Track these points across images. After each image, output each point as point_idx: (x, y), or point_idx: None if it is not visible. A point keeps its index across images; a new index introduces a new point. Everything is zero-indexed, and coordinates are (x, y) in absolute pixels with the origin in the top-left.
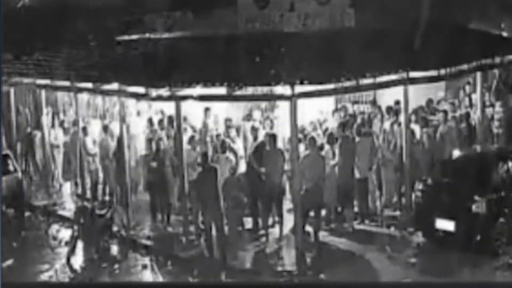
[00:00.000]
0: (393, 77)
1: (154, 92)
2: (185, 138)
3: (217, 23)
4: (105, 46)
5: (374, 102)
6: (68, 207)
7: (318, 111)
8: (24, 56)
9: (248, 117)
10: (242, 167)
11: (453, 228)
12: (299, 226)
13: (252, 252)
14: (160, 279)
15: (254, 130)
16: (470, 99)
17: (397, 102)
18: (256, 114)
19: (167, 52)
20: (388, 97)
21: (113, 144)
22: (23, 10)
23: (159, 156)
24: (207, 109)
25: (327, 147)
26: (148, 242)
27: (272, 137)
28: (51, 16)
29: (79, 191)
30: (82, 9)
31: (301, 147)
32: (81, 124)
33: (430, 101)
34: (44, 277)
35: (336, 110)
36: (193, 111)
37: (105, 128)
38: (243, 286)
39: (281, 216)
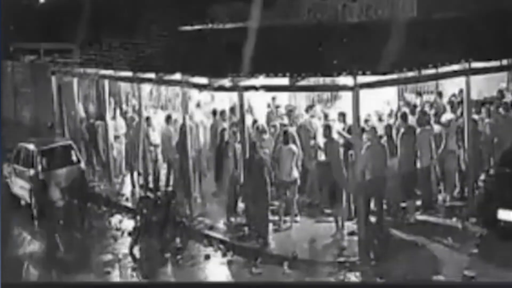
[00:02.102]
0: (455, 67)
1: (216, 83)
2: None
3: (280, 13)
4: (169, 37)
5: (436, 93)
6: (131, 198)
7: (380, 101)
8: (87, 46)
9: (310, 108)
10: None
11: None
12: (361, 216)
13: (314, 243)
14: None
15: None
16: None
17: (460, 91)
18: (318, 107)
19: (229, 42)
20: (450, 87)
21: (175, 135)
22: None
23: (222, 146)
24: (273, 98)
25: (385, 138)
26: (211, 233)
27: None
28: (114, 7)
29: (142, 181)
30: None
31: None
32: (144, 115)
33: (500, 91)
34: (107, 267)
35: (398, 100)
36: (255, 102)
37: (168, 119)
38: (243, 286)
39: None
